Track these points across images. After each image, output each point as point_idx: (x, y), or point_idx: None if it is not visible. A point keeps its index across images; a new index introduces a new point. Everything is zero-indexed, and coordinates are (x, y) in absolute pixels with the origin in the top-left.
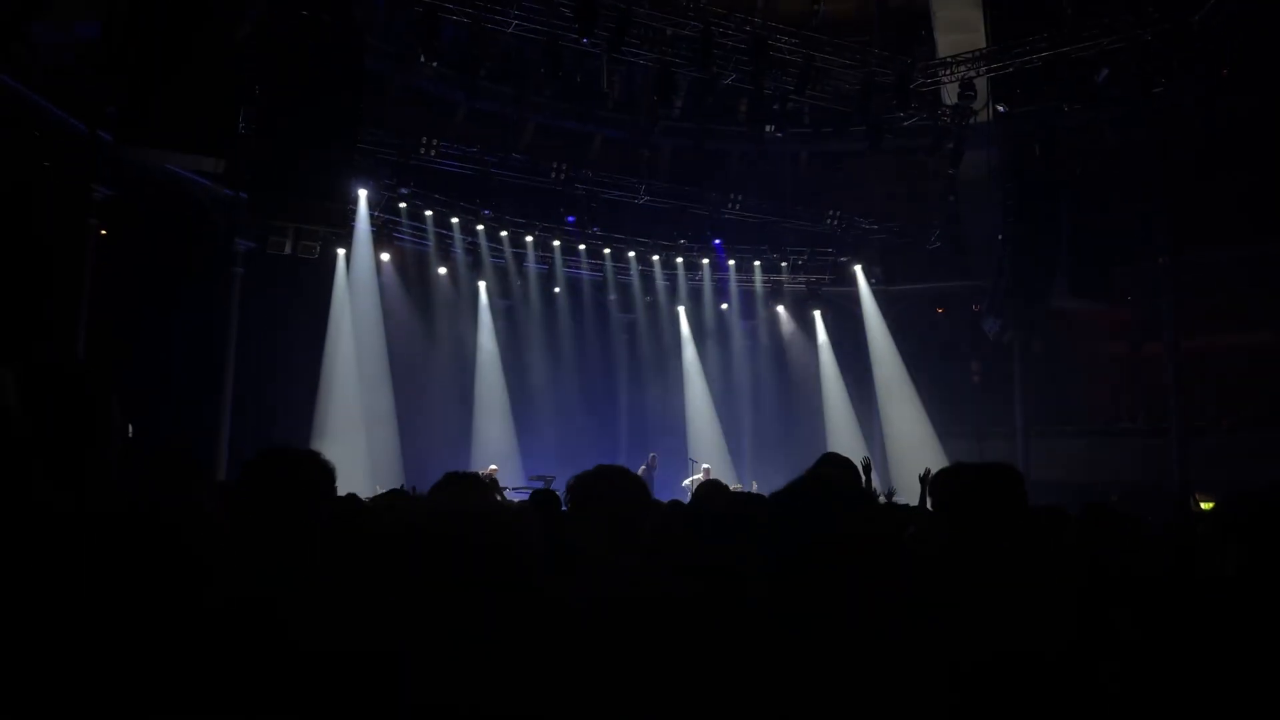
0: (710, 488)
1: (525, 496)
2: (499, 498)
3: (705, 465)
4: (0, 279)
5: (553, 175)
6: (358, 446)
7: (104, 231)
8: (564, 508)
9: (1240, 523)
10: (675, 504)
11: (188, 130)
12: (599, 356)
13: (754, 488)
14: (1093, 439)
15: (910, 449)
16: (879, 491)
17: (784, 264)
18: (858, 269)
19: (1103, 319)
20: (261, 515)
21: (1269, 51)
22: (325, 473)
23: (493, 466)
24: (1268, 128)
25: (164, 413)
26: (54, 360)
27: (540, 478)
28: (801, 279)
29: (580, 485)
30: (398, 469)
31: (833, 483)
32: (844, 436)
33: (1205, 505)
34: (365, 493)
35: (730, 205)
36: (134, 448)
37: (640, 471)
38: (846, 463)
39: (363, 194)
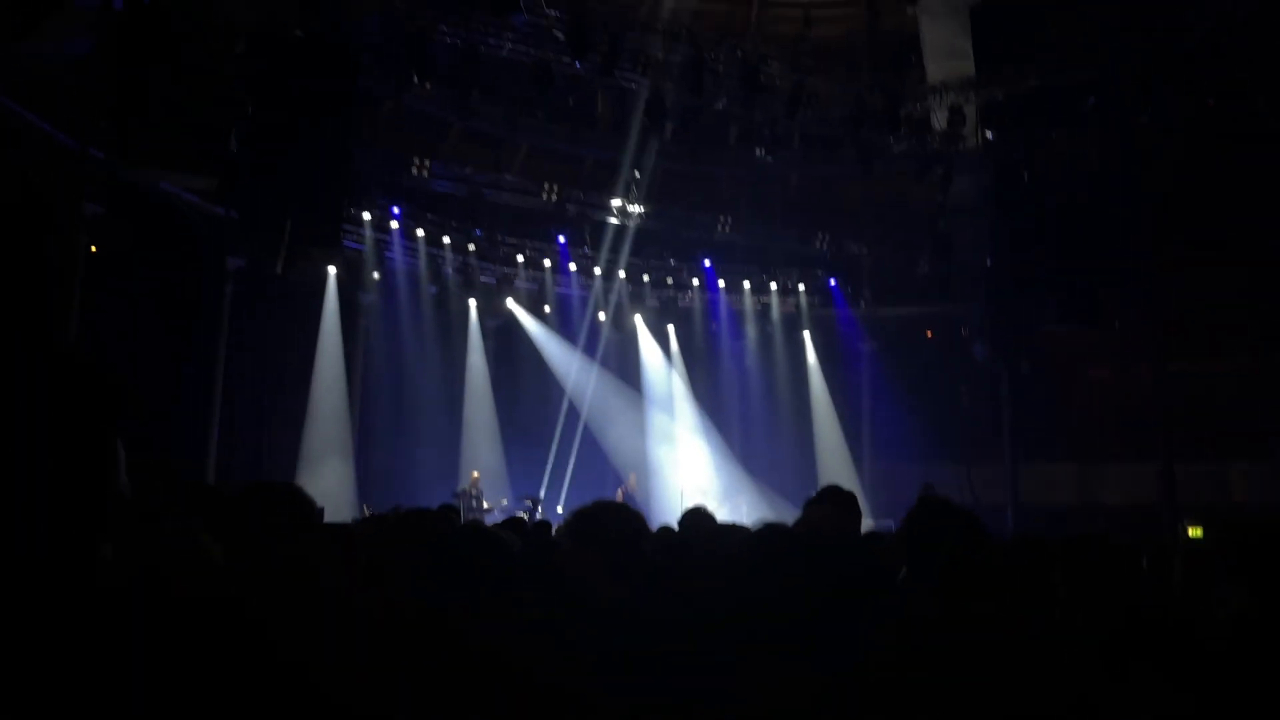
0: (694, 517)
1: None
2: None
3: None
4: None
5: (544, 196)
6: (346, 465)
7: (94, 249)
8: (553, 533)
9: (1238, 563)
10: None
11: (180, 149)
12: (588, 375)
13: (743, 511)
14: (1081, 463)
15: (898, 473)
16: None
17: (773, 285)
18: (847, 292)
19: (1090, 343)
20: (246, 551)
21: (1255, 80)
22: (308, 507)
23: (475, 473)
24: (1252, 154)
25: (151, 431)
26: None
27: (527, 498)
28: (791, 301)
29: (580, 521)
30: (387, 487)
31: (819, 532)
32: (833, 459)
33: (1194, 532)
34: (354, 513)
35: (720, 227)
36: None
37: (619, 492)
38: (849, 501)
39: (362, 215)
